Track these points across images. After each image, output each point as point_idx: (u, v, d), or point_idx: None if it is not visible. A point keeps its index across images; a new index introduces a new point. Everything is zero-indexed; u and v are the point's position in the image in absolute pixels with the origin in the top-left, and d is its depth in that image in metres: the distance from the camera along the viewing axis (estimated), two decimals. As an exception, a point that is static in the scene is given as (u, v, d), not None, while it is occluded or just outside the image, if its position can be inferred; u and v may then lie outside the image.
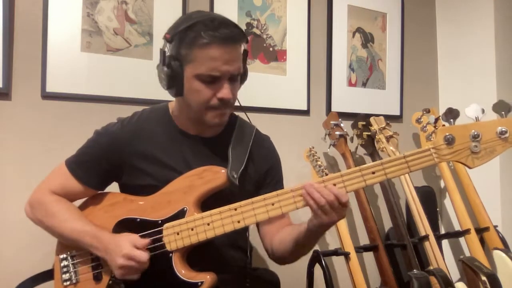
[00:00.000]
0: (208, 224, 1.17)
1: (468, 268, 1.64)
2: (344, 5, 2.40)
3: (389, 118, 2.25)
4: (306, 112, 2.27)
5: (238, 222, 1.16)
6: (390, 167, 1.10)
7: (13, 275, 1.47)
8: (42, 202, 1.29)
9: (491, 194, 2.36)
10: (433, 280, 1.65)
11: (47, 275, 1.37)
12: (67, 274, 1.26)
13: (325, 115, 2.28)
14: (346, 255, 1.93)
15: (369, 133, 2.13)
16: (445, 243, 2.48)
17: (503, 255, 2.03)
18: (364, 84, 2.47)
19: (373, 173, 1.10)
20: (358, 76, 2.45)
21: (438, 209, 2.53)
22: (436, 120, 2.11)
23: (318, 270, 1.89)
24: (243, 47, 1.24)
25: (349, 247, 1.93)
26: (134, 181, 1.30)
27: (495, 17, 2.47)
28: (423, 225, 2.08)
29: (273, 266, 1.47)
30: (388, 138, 2.07)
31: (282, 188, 1.21)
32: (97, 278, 1.24)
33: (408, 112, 2.57)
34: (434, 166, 2.57)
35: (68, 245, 1.28)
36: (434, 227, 2.20)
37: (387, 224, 2.30)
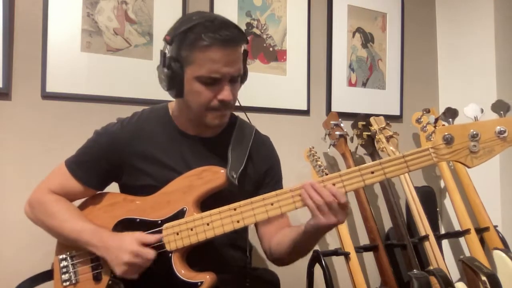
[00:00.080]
0: (208, 224, 1.17)
1: (468, 268, 1.64)
2: (344, 5, 2.40)
3: (389, 118, 2.25)
4: (306, 112, 2.27)
5: (238, 222, 1.16)
6: (389, 166, 1.09)
7: (13, 275, 1.47)
8: (41, 201, 1.29)
9: (491, 194, 2.36)
10: (433, 280, 1.65)
11: (47, 275, 1.37)
12: (67, 275, 1.26)
13: (325, 115, 2.29)
14: (346, 255, 1.93)
15: (369, 133, 2.13)
16: (445, 243, 2.48)
17: (503, 255, 2.03)
18: (364, 84, 2.47)
19: (372, 172, 1.10)
20: (358, 76, 2.45)
21: (438, 209, 2.53)
22: (436, 120, 2.11)
23: (318, 270, 1.89)
24: (243, 47, 1.24)
25: (349, 247, 1.93)
26: (133, 181, 1.30)
27: (495, 17, 2.47)
28: (423, 225, 2.08)
29: (273, 266, 1.46)
30: (388, 138, 2.07)
31: (281, 188, 1.21)
32: (96, 279, 1.24)
33: (408, 112, 2.57)
34: (434, 166, 2.57)
35: (68, 245, 1.28)
36: (434, 227, 2.20)
37: (387, 224, 2.30)
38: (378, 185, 2.25)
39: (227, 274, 1.27)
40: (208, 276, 1.16)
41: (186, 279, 1.16)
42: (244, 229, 1.37)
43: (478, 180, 2.26)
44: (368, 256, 2.17)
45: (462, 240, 2.34)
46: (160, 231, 1.20)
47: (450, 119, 1.15)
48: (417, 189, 2.19)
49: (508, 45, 2.51)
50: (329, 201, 1.07)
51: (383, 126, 2.10)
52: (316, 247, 1.77)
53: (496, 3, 2.48)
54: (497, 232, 2.21)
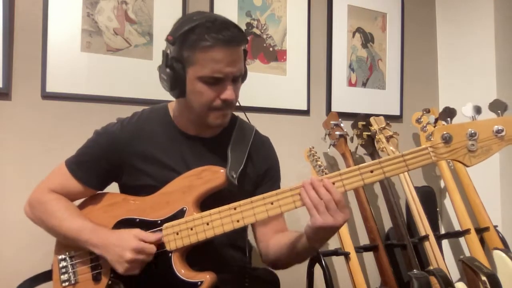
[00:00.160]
0: (208, 224, 1.17)
1: (468, 268, 1.64)
2: (344, 5, 2.40)
3: (389, 118, 2.25)
4: (306, 112, 2.27)
5: (238, 221, 1.16)
6: (388, 165, 1.09)
7: (13, 275, 1.47)
8: (41, 201, 1.29)
9: (491, 194, 2.36)
10: (433, 280, 1.65)
11: (47, 275, 1.36)
12: (66, 275, 1.26)
13: (325, 115, 2.29)
14: (346, 255, 1.93)
15: (369, 133, 2.13)
16: (445, 243, 2.48)
17: (503, 255, 2.03)
18: (364, 84, 2.47)
19: (372, 172, 1.10)
20: (358, 76, 2.45)
21: (438, 209, 2.53)
22: (436, 120, 2.11)
23: (318, 270, 1.89)
24: (243, 47, 1.24)
25: (349, 247, 1.94)
26: (133, 181, 1.30)
27: (495, 17, 2.47)
28: (423, 225, 2.08)
29: (272, 266, 1.47)
30: (388, 138, 2.07)
31: (278, 189, 1.21)
32: (96, 279, 1.24)
33: (408, 112, 2.58)
34: (434, 166, 2.57)
35: (67, 245, 1.28)
36: (434, 227, 2.20)
37: (387, 224, 2.30)
38: (378, 185, 2.25)
39: (226, 274, 1.27)
40: (208, 276, 1.16)
41: (186, 279, 1.16)
42: (244, 229, 1.37)
43: (478, 180, 2.26)
44: (368, 256, 2.17)
45: (462, 240, 2.34)
46: (160, 231, 1.20)
47: (448, 119, 1.15)
48: (417, 189, 2.19)
49: (508, 45, 2.51)
50: (326, 200, 1.07)
51: (383, 126, 2.10)
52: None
53: (496, 3, 2.48)
54: (497, 232, 2.21)
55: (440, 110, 2.65)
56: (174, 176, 1.25)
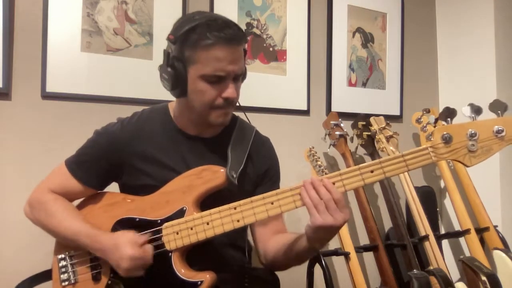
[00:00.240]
0: (208, 224, 1.17)
1: (468, 268, 1.64)
2: (344, 5, 2.40)
3: (389, 118, 2.25)
4: (306, 112, 2.27)
5: (238, 221, 1.16)
6: (388, 165, 1.09)
7: (13, 275, 1.47)
8: (41, 201, 1.29)
9: (491, 194, 2.36)
10: (433, 280, 1.65)
11: (47, 274, 1.36)
12: (66, 274, 1.26)
13: (325, 115, 2.29)
14: (346, 255, 1.93)
15: (369, 133, 2.13)
16: (445, 243, 2.48)
17: (503, 255, 2.03)
18: (364, 84, 2.47)
19: (372, 172, 1.10)
20: (358, 76, 2.45)
21: (438, 209, 2.53)
22: (436, 120, 2.11)
23: (318, 270, 1.89)
24: (243, 46, 1.25)
25: (349, 247, 1.94)
26: (133, 181, 1.30)
27: (495, 17, 2.47)
28: (423, 225, 2.08)
29: (272, 266, 1.46)
30: (388, 138, 2.07)
31: (277, 189, 1.20)
32: (96, 279, 1.24)
33: (408, 112, 2.57)
34: (434, 166, 2.57)
35: (67, 245, 1.28)
36: (434, 227, 2.20)
37: (387, 224, 2.30)
38: (378, 185, 2.25)
39: (226, 273, 1.27)
40: (208, 276, 1.16)
41: (186, 278, 1.16)
42: (244, 229, 1.37)
43: (478, 180, 2.26)
44: (368, 256, 2.17)
45: (462, 240, 2.34)
46: (158, 231, 1.20)
47: (448, 119, 1.15)
48: (417, 189, 2.19)
49: (508, 45, 2.51)
50: (326, 199, 1.07)
51: (383, 126, 2.10)
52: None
53: (496, 2, 2.48)
54: (497, 232, 2.21)
55: (440, 110, 2.66)
56: (174, 176, 1.25)
